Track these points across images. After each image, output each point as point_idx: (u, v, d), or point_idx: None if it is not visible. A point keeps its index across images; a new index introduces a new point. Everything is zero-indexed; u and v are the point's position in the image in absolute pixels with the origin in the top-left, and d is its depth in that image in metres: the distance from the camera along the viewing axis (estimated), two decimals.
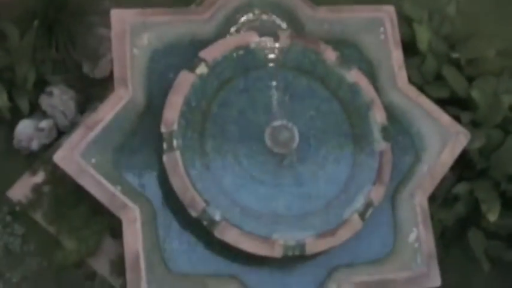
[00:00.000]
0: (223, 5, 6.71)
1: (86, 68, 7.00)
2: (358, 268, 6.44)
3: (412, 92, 7.09)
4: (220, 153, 6.21)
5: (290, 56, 6.63)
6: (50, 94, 6.72)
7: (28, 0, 6.76)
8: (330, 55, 6.73)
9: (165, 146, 5.99)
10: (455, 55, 7.68)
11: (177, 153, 5.95)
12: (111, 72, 6.44)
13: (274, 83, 6.55)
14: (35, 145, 6.71)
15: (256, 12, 6.84)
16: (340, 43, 7.04)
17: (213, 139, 6.22)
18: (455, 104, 7.53)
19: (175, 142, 5.98)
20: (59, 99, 6.70)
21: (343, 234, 6.20)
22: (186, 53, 6.52)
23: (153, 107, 6.29)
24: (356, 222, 6.26)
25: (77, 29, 6.80)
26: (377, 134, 6.61)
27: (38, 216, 6.57)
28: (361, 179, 6.45)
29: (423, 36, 7.70)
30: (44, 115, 6.77)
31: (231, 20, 6.76)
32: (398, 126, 6.95)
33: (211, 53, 6.37)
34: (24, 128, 6.70)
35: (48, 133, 6.75)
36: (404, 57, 7.22)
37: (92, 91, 7.03)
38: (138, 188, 6.07)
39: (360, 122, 6.65)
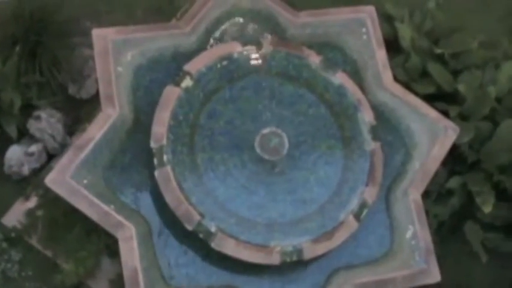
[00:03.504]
0: (204, 17, 6.73)
1: (71, 90, 6.99)
2: (357, 269, 6.44)
3: (399, 90, 7.11)
4: (211, 165, 6.22)
5: (274, 63, 6.65)
6: (38, 118, 6.71)
7: (8, 26, 6.75)
8: (314, 59, 6.76)
9: (155, 161, 6.00)
10: (438, 50, 7.69)
11: (169, 168, 5.96)
12: (98, 92, 6.44)
13: (260, 91, 6.57)
14: (25, 170, 6.70)
15: (237, 21, 6.86)
16: (323, 46, 7.08)
17: (203, 151, 6.23)
18: (442, 99, 7.55)
19: (165, 157, 5.99)
20: (46, 122, 6.69)
21: (340, 237, 6.21)
22: (170, 66, 6.55)
23: (141, 123, 6.31)
24: (352, 224, 6.27)
25: (60, 51, 6.79)
26: (366, 134, 6.63)
27: (34, 241, 6.56)
28: (353, 180, 6.46)
29: (405, 34, 7.72)
30: (33, 139, 6.76)
31: (212, 32, 6.78)
32: (387, 125, 6.97)
33: (195, 66, 6.38)
34: (14, 153, 6.69)
35: (38, 157, 6.75)
36: (388, 55, 7.25)
37: (79, 112, 7.02)
38: (131, 205, 6.07)
39: (348, 124, 6.67)
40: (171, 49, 6.60)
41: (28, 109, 6.79)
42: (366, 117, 6.67)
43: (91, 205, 5.88)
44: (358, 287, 6.34)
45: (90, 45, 6.55)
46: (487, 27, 8.47)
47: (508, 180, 7.35)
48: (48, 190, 6.05)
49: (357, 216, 6.31)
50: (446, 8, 8.44)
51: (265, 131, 6.46)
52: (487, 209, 7.12)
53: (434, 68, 7.59)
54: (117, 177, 6.09)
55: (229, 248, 5.91)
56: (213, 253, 5.96)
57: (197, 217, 5.87)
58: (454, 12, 8.44)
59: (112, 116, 6.14)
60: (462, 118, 7.46)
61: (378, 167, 6.56)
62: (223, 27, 6.82)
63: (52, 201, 6.46)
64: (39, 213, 6.59)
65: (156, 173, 5.97)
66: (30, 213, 6.60)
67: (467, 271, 7.51)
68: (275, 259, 5.98)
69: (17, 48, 6.67)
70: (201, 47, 6.69)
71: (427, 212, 6.89)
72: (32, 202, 6.62)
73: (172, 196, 5.91)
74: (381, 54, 7.18)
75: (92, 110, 6.86)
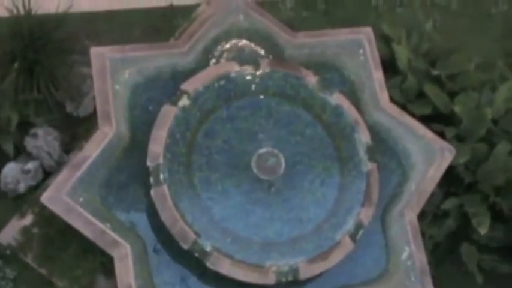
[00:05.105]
0: (202, 36, 6.75)
1: (69, 107, 7.00)
2: None
3: (395, 111, 7.12)
4: (208, 184, 6.22)
5: (271, 83, 6.67)
6: (35, 136, 6.71)
7: (6, 42, 6.76)
8: (311, 79, 6.77)
9: (152, 180, 6.00)
10: (435, 72, 7.73)
11: (165, 187, 5.96)
12: (95, 110, 6.45)
13: (257, 111, 6.59)
14: (21, 187, 6.69)
15: (235, 41, 6.88)
16: (321, 66, 7.10)
17: (199, 170, 6.23)
18: (438, 120, 7.57)
19: (162, 176, 5.99)
20: (43, 140, 6.69)
21: (336, 257, 6.20)
22: (168, 85, 6.57)
23: (138, 141, 6.31)
24: (347, 244, 6.27)
25: (58, 69, 6.80)
26: (363, 155, 6.64)
27: (29, 259, 6.54)
28: (349, 200, 6.46)
29: (402, 55, 7.75)
30: (29, 157, 6.76)
31: (210, 51, 6.80)
32: (384, 146, 6.98)
33: (193, 85, 6.40)
34: (10, 170, 6.69)
35: (34, 174, 6.74)
36: (385, 76, 7.28)
37: (76, 130, 7.02)
38: (127, 224, 6.06)
39: (345, 144, 6.67)
40: (168, 68, 6.62)
41: (25, 126, 6.79)
42: (363, 137, 6.69)
43: (87, 223, 5.87)
44: None
45: (88, 64, 6.57)
46: (483, 49, 8.52)
47: (504, 202, 7.37)
48: (44, 208, 6.05)
49: (353, 236, 6.30)
50: (443, 29, 8.51)
51: (262, 150, 6.48)
52: (483, 230, 7.13)
53: (430, 89, 7.62)
54: (113, 195, 6.09)
55: (224, 267, 5.89)
56: (208, 272, 5.95)
57: (193, 236, 5.87)
58: (450, 34, 8.49)
59: (109, 134, 6.15)
60: (458, 139, 7.48)
61: (374, 187, 6.56)
62: (221, 46, 6.84)
63: (48, 219, 6.45)
64: (35, 230, 6.57)
65: (153, 192, 5.97)
66: (25, 230, 6.58)
67: None
68: (270, 279, 5.96)
69: (15, 65, 6.67)
70: (198, 66, 6.70)
71: (422, 233, 6.90)
72: (28, 219, 6.60)
73: (168, 215, 5.91)
74: (378, 75, 7.20)
75: (89, 127, 6.87)
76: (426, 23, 8.41)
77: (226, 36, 6.87)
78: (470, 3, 9.01)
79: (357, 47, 7.25)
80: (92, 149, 6.08)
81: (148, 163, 6.04)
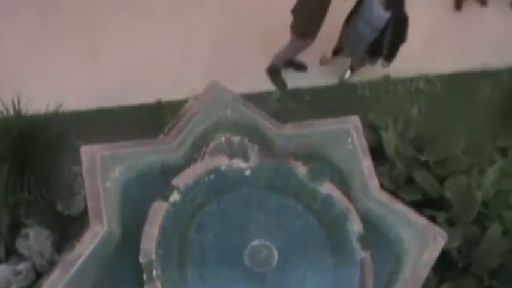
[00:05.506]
0: (191, 131, 6.81)
1: (60, 206, 7.01)
2: None
3: (386, 198, 7.13)
4: (201, 279, 6.16)
5: (261, 175, 6.69)
6: (26, 237, 6.70)
7: None
8: (301, 170, 6.81)
9: (145, 276, 5.94)
10: (423, 157, 7.80)
11: (158, 284, 5.90)
12: (86, 208, 6.45)
13: (248, 203, 6.59)
14: None
15: (223, 135, 6.94)
16: (310, 156, 7.13)
17: (192, 266, 6.18)
18: (429, 205, 7.60)
19: (155, 272, 5.94)
20: (34, 240, 6.68)
21: None
22: (158, 180, 6.57)
23: (130, 237, 6.27)
24: None
25: (48, 169, 6.82)
26: (355, 244, 6.61)
27: None
28: None
29: (390, 142, 7.84)
30: (21, 258, 6.72)
31: (199, 145, 6.86)
32: (376, 234, 6.95)
33: (183, 180, 6.42)
34: (1, 272, 6.64)
35: (26, 275, 6.69)
36: (374, 163, 7.31)
37: (68, 229, 7.01)
38: None
39: (337, 233, 6.66)
40: (158, 163, 6.65)
41: (16, 227, 6.78)
42: (355, 226, 6.67)
43: None
44: None
45: (79, 162, 6.59)
46: (469, 133, 8.62)
47: (499, 284, 7.34)
48: None
49: None
50: (428, 115, 8.63)
51: (255, 243, 6.44)
52: None
53: (420, 175, 7.69)
54: None
55: None
56: None
57: None
58: (436, 119, 8.62)
59: (100, 233, 6.11)
60: (450, 224, 7.50)
61: (368, 275, 6.51)
62: (209, 140, 6.90)
63: None
64: None
65: None
66: None
67: None
68: None
69: (5, 167, 6.69)
70: (188, 161, 6.74)
71: None
72: None
73: None
74: (367, 163, 7.23)
75: (80, 226, 6.86)
76: (412, 109, 8.53)
77: (215, 130, 6.94)
78: (455, 88, 9.16)
79: (345, 136, 7.31)
80: (84, 248, 6.04)
81: (141, 260, 6.00)
